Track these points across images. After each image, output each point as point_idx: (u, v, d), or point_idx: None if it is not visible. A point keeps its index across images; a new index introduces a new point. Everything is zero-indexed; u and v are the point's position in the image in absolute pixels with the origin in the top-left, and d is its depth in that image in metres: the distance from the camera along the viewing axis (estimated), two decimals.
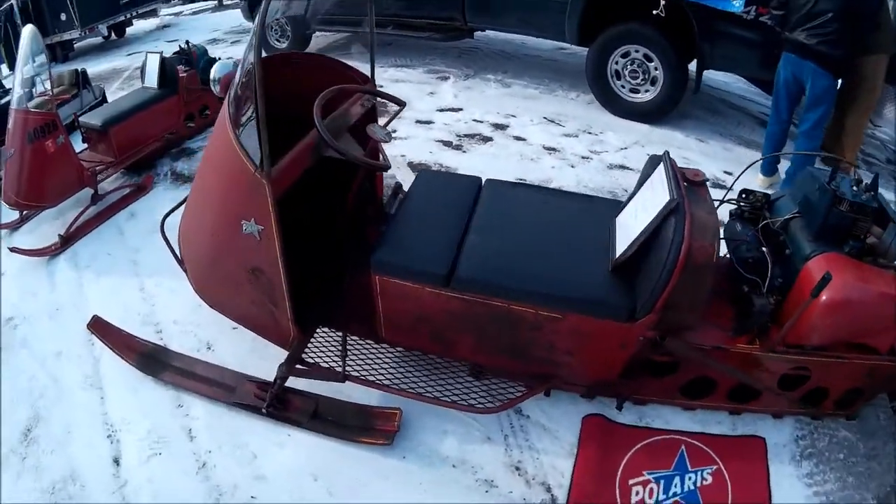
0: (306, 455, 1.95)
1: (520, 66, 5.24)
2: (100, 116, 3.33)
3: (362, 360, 2.12)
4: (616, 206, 2.11)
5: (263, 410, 2.02)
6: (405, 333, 2.00)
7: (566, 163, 3.59)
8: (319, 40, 5.89)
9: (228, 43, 6.56)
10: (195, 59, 3.75)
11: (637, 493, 1.83)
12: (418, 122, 4.17)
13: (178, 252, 2.21)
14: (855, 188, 1.75)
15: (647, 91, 3.88)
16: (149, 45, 6.79)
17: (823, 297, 1.63)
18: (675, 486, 1.84)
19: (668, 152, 1.84)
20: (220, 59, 4.15)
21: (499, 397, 1.98)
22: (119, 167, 3.42)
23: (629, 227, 1.82)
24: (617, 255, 1.78)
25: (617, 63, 3.88)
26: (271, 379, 2.03)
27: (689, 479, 1.86)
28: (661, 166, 1.80)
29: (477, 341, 1.91)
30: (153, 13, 8.01)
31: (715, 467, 1.89)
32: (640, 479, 1.86)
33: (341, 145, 1.74)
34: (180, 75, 3.65)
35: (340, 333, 2.10)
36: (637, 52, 3.76)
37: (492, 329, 1.84)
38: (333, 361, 2.06)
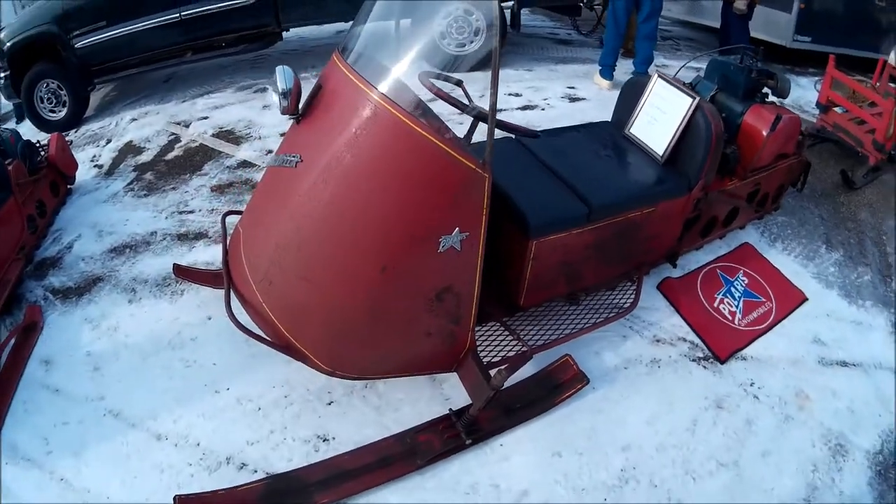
0: (532, 447, 1.97)
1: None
2: None
3: (505, 338, 2.15)
4: (598, 125, 2.66)
5: (468, 442, 1.90)
6: (545, 289, 2.19)
7: (453, 122, 3.96)
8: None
9: None
10: (13, 146, 2.84)
11: (723, 308, 2.53)
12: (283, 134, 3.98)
13: (266, 336, 1.85)
14: (751, 62, 2.63)
15: (472, 42, 4.44)
16: None
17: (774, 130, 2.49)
18: (735, 292, 2.61)
19: (658, 71, 2.44)
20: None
21: (607, 305, 2.39)
22: None
23: (655, 131, 2.39)
24: (662, 152, 2.34)
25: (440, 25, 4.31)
26: (422, 421, 1.96)
27: (737, 285, 2.65)
28: (660, 81, 2.39)
29: (599, 263, 2.27)
30: None
31: (742, 270, 2.72)
32: (717, 300, 2.57)
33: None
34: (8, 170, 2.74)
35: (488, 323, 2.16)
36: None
37: (612, 245, 2.23)
38: (503, 351, 2.08)
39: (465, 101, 1.95)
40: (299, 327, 1.78)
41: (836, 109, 3.65)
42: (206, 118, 4.20)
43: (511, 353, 2.07)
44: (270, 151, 3.68)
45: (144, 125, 4.22)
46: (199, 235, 2.98)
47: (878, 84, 3.73)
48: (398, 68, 1.72)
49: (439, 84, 1.98)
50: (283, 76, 1.70)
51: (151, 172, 3.61)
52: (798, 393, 2.22)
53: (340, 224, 1.67)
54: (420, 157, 1.56)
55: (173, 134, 4.05)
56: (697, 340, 2.39)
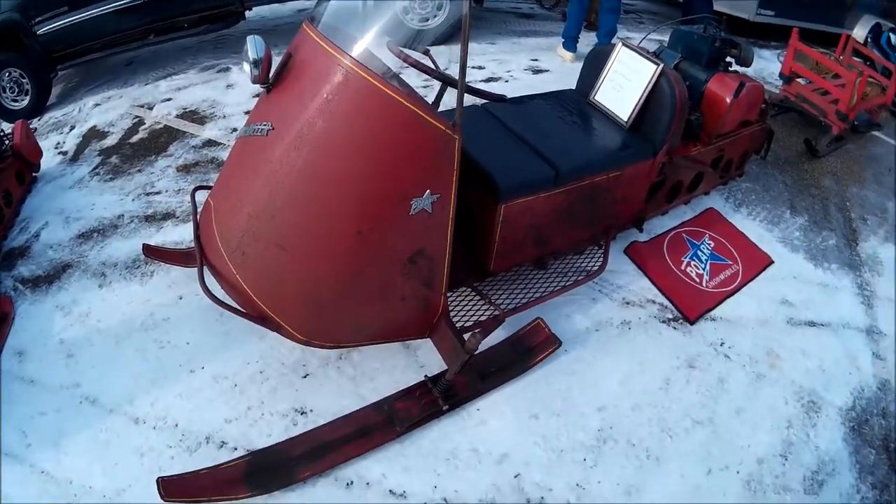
0: (510, 410, 1.99)
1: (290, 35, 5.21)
2: None
3: (477, 303, 2.18)
4: (563, 93, 2.67)
5: (445, 408, 1.92)
6: (514, 253, 2.20)
7: (424, 92, 3.96)
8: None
9: None
10: None
11: (690, 271, 2.59)
12: (248, 112, 3.92)
13: (241, 308, 1.80)
14: (714, 31, 2.67)
15: (434, 17, 4.36)
16: None
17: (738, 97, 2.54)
18: (702, 255, 2.67)
19: (621, 40, 2.46)
20: None
21: (575, 269, 2.42)
22: None
23: (619, 98, 2.41)
24: (627, 118, 2.37)
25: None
26: (399, 389, 1.97)
27: (703, 248, 2.71)
28: (625, 49, 2.41)
29: (567, 227, 2.29)
30: None
31: (708, 234, 2.78)
32: (684, 263, 2.63)
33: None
34: None
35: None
36: None
37: (579, 209, 2.25)
38: (475, 315, 2.10)
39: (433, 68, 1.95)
40: (274, 297, 1.75)
41: (800, 80, 3.73)
42: (169, 100, 4.11)
43: (483, 318, 2.08)
44: (235, 130, 3.63)
45: (108, 109, 4.11)
46: (167, 216, 2.93)
47: (841, 57, 3.82)
48: (368, 37, 1.72)
49: (408, 51, 1.98)
50: (254, 45, 1.66)
51: (116, 156, 3.53)
52: (769, 352, 2.28)
53: (314, 189, 1.64)
54: (392, 119, 1.55)
55: (137, 117, 3.96)
56: (666, 302, 2.44)
